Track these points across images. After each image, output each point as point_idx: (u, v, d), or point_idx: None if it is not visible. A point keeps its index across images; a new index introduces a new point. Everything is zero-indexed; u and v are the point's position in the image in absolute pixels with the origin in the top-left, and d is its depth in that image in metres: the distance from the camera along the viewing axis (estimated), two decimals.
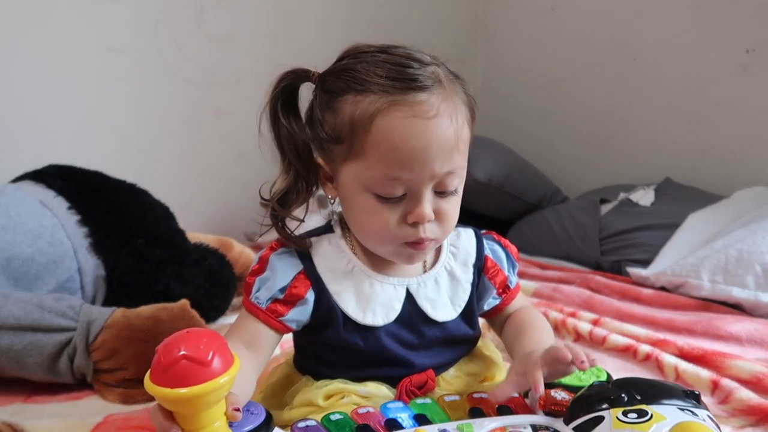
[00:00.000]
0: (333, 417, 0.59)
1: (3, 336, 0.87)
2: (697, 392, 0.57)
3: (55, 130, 1.51)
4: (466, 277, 0.70)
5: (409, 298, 0.67)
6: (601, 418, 0.54)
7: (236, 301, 1.20)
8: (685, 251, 1.30)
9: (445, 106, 0.59)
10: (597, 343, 1.04)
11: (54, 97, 1.50)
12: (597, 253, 1.49)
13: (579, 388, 0.61)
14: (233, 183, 1.73)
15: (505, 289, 0.72)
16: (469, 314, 0.70)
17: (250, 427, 0.54)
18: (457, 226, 0.71)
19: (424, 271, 0.69)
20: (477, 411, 0.61)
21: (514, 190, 1.74)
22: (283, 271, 0.65)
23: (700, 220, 1.41)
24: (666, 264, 1.30)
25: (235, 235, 1.50)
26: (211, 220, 1.68)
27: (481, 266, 0.71)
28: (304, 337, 0.69)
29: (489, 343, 0.79)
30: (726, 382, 0.86)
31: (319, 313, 0.65)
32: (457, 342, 0.70)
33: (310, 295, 0.65)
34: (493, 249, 0.73)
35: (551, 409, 0.61)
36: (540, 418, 0.59)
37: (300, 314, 0.65)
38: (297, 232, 0.68)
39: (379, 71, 0.59)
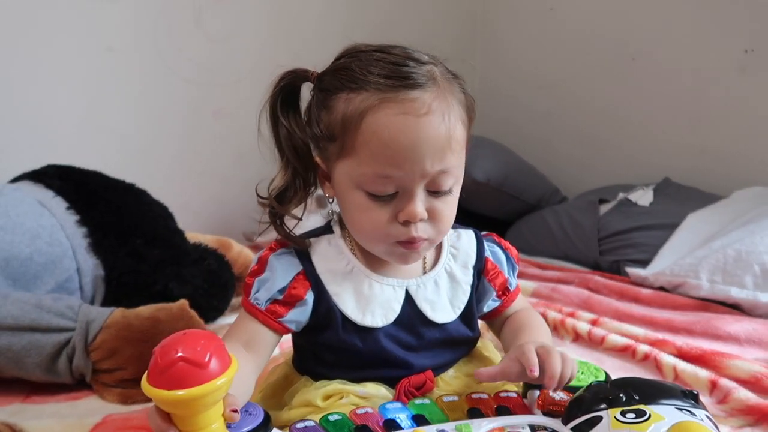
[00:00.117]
0: (331, 417, 0.59)
1: (2, 336, 0.87)
2: (695, 392, 0.57)
3: (54, 130, 1.51)
4: (466, 279, 0.70)
5: (409, 300, 0.67)
6: (599, 418, 0.54)
7: (235, 301, 1.20)
8: (683, 251, 1.31)
9: (437, 104, 0.59)
10: (596, 343, 1.04)
11: (53, 98, 1.50)
12: (596, 253, 1.50)
13: (577, 388, 0.61)
14: (232, 183, 1.73)
15: (504, 291, 0.72)
16: (468, 316, 0.70)
17: (249, 427, 0.54)
18: (457, 227, 0.71)
19: (424, 273, 0.69)
20: (476, 411, 0.61)
21: (513, 190, 1.74)
22: (283, 271, 0.65)
23: (699, 220, 1.41)
24: (665, 264, 1.30)
25: (234, 235, 1.50)
26: (210, 220, 1.68)
27: (480, 268, 0.71)
28: (303, 337, 0.68)
29: (488, 343, 0.79)
30: (724, 382, 0.86)
31: (318, 314, 0.65)
32: (456, 343, 0.70)
33: (310, 296, 0.65)
34: (494, 251, 0.73)
35: (549, 409, 0.61)
36: (538, 419, 0.60)
37: (299, 315, 0.65)
38: (296, 232, 0.68)
39: (374, 69, 0.59)
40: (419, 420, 0.60)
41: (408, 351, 0.67)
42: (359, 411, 0.61)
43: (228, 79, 1.72)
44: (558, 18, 1.98)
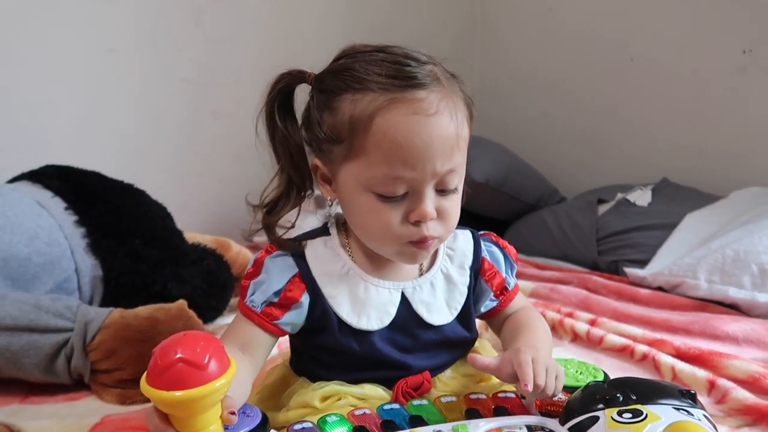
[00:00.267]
0: (329, 419, 0.59)
1: (0, 336, 0.87)
2: (693, 392, 0.57)
3: (52, 131, 1.51)
4: (463, 280, 0.69)
5: (404, 302, 0.67)
6: (596, 418, 0.54)
7: (234, 301, 1.20)
8: (682, 251, 1.31)
9: (444, 103, 0.59)
10: (594, 343, 1.04)
11: (52, 98, 1.50)
12: (594, 254, 1.50)
13: (575, 388, 0.61)
14: (231, 183, 1.73)
15: (502, 291, 0.72)
16: (465, 317, 0.69)
17: (246, 429, 0.54)
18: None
19: (420, 275, 0.68)
20: (473, 412, 0.61)
21: (512, 190, 1.74)
22: (278, 274, 0.65)
23: (697, 220, 1.41)
24: (663, 264, 1.30)
25: (232, 235, 1.49)
26: (208, 221, 1.68)
27: (477, 268, 0.71)
28: (300, 339, 0.68)
29: (486, 343, 0.79)
30: (722, 382, 0.86)
31: (314, 317, 0.65)
32: (453, 344, 0.70)
33: (305, 299, 0.65)
34: (491, 251, 0.72)
35: (547, 409, 0.61)
36: (535, 419, 0.60)
37: (295, 317, 0.65)
38: (293, 233, 0.68)
39: (377, 69, 0.59)
40: (417, 421, 0.60)
41: (405, 353, 0.67)
42: (357, 412, 0.61)
43: (227, 79, 1.72)
44: (557, 18, 1.98)
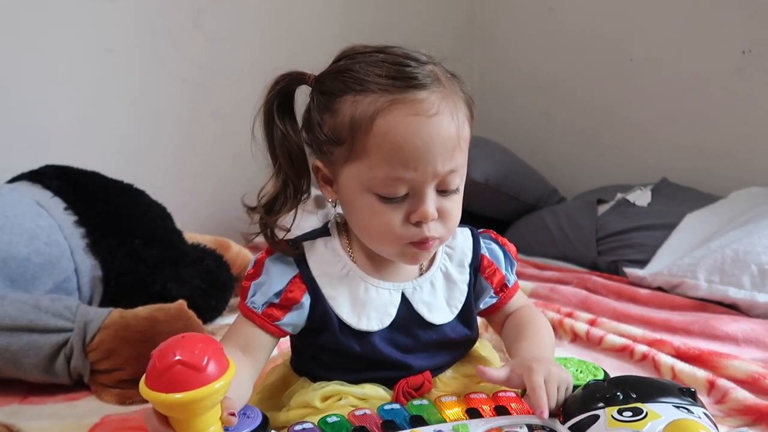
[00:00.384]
0: (330, 419, 0.59)
1: (0, 337, 0.87)
2: (693, 390, 0.57)
3: (52, 131, 1.51)
4: (462, 278, 0.69)
5: (405, 302, 0.67)
6: (596, 417, 0.54)
7: (233, 301, 1.20)
8: (681, 251, 1.31)
9: (445, 104, 0.59)
10: (594, 343, 1.04)
11: (51, 98, 1.50)
12: (594, 254, 1.50)
13: (576, 387, 0.61)
14: (231, 183, 1.73)
15: (502, 288, 0.72)
16: (466, 315, 0.69)
17: (247, 430, 0.54)
18: None
19: (420, 274, 0.68)
20: (474, 412, 0.61)
21: (511, 190, 1.74)
22: (279, 275, 0.65)
23: (697, 220, 1.41)
24: (663, 264, 1.30)
25: (232, 235, 1.49)
26: (208, 221, 1.68)
27: (477, 266, 0.71)
28: (300, 339, 0.68)
29: (486, 343, 0.79)
30: (722, 382, 0.86)
31: (314, 317, 0.65)
32: (453, 343, 0.70)
33: (306, 299, 0.65)
34: (491, 248, 0.72)
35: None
36: (535, 418, 0.59)
37: (296, 318, 0.65)
38: (292, 234, 0.68)
39: (378, 71, 0.59)
40: (417, 421, 0.60)
41: (405, 353, 0.67)
42: (357, 412, 0.61)
43: (227, 80, 1.72)
44: (557, 18, 1.98)
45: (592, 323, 1.10)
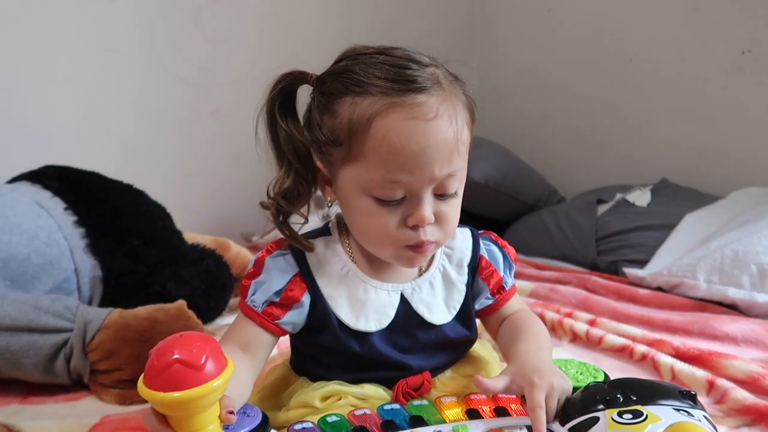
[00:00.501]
0: (329, 419, 0.59)
1: None
2: (693, 392, 0.57)
3: (51, 131, 1.51)
4: (461, 279, 0.69)
5: (404, 303, 0.67)
6: (596, 419, 0.54)
7: (233, 301, 1.20)
8: (681, 251, 1.31)
9: (444, 107, 0.59)
10: (593, 343, 1.04)
11: (51, 98, 1.50)
12: (594, 254, 1.50)
13: (576, 389, 0.61)
14: (230, 183, 1.73)
15: (499, 290, 0.72)
16: (465, 315, 0.69)
17: (247, 429, 0.54)
18: None
19: (419, 275, 0.68)
20: (474, 412, 0.61)
21: (511, 190, 1.75)
22: (279, 274, 0.65)
23: (696, 220, 1.41)
24: (662, 264, 1.30)
25: (232, 235, 1.50)
26: (208, 221, 1.68)
27: (475, 266, 0.70)
28: (300, 339, 0.68)
29: (486, 343, 0.79)
30: (722, 382, 0.86)
31: (314, 316, 0.65)
32: (453, 344, 0.70)
33: (306, 298, 0.65)
34: (490, 249, 0.72)
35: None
36: None
37: (296, 317, 0.65)
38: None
39: (378, 73, 0.59)
40: (417, 421, 0.60)
41: (404, 353, 0.67)
42: (357, 412, 0.61)
43: (226, 80, 1.72)
44: (556, 19, 1.98)
45: (591, 323, 1.10)
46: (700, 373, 0.89)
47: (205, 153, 1.74)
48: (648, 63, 1.76)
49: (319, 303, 0.65)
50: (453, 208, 0.63)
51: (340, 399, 0.65)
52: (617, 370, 0.95)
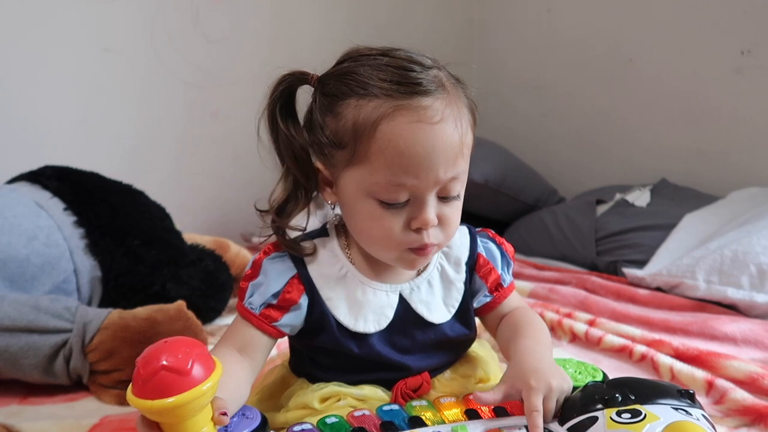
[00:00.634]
0: (328, 420, 0.59)
1: None
2: (691, 391, 0.57)
3: (51, 131, 1.51)
4: (459, 277, 0.69)
5: (403, 303, 0.66)
6: (595, 419, 0.54)
7: (233, 302, 1.20)
8: (680, 252, 1.31)
9: (449, 110, 0.59)
10: (593, 343, 1.04)
11: (50, 98, 1.50)
12: (593, 254, 1.50)
13: (575, 388, 0.61)
14: (230, 184, 1.73)
15: (497, 287, 0.71)
16: (463, 314, 0.69)
17: (246, 430, 0.54)
18: None
19: (417, 275, 0.68)
20: (473, 412, 0.61)
21: (511, 190, 1.75)
22: (276, 276, 0.64)
23: (696, 220, 1.41)
24: (661, 264, 1.30)
25: (231, 236, 1.50)
26: (207, 221, 1.68)
27: (472, 264, 0.70)
28: (299, 340, 0.68)
29: (485, 343, 0.79)
30: (721, 383, 0.86)
31: (312, 318, 0.65)
32: (452, 343, 0.70)
33: (304, 300, 0.65)
34: (488, 247, 0.72)
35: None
36: None
37: (293, 319, 0.65)
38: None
39: (382, 75, 0.58)
40: (416, 422, 0.60)
41: (404, 354, 0.66)
42: (356, 413, 0.61)
43: (226, 80, 1.72)
44: (554, 20, 1.98)
45: (591, 323, 1.10)
46: (700, 374, 0.89)
47: (205, 153, 1.74)
48: (647, 64, 1.77)
49: (317, 305, 0.65)
50: (455, 210, 0.63)
51: (339, 400, 0.64)
52: (616, 370, 0.95)
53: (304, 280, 0.65)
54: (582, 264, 1.51)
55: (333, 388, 0.65)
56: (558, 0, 1.97)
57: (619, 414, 0.53)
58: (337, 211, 0.68)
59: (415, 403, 0.64)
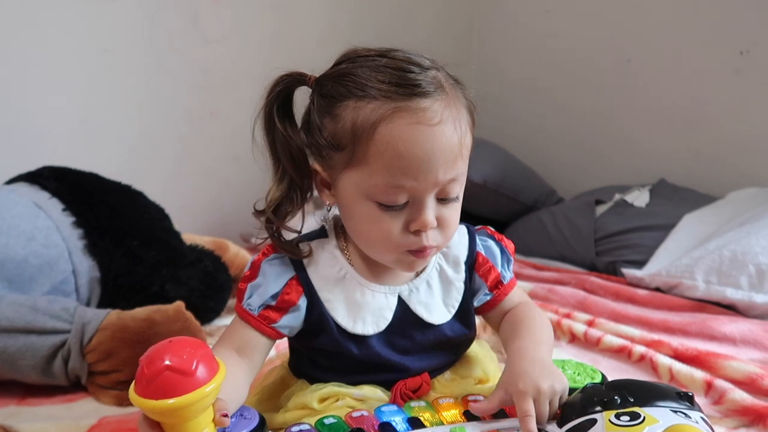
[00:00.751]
0: (327, 421, 0.59)
1: None
2: (690, 394, 0.57)
3: (50, 131, 1.50)
4: (458, 277, 0.69)
5: (401, 305, 0.66)
6: (593, 421, 0.54)
7: (232, 302, 1.20)
8: (679, 252, 1.31)
9: (448, 112, 0.59)
10: (592, 344, 1.04)
11: (49, 98, 1.50)
12: (592, 254, 1.50)
13: (573, 390, 0.61)
14: (229, 184, 1.73)
15: (497, 285, 0.71)
16: (463, 314, 0.69)
17: (244, 431, 0.54)
18: None
19: (416, 276, 0.68)
20: (471, 414, 0.61)
21: (510, 191, 1.75)
22: (275, 277, 0.64)
23: (695, 221, 1.41)
24: (660, 265, 1.30)
25: (230, 236, 1.50)
26: (206, 222, 1.68)
27: (472, 263, 0.70)
28: (298, 341, 0.68)
29: (484, 344, 0.79)
30: (720, 383, 0.86)
31: (311, 320, 0.65)
32: (451, 343, 0.70)
33: (303, 302, 0.65)
34: (487, 245, 0.71)
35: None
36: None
37: (292, 320, 0.65)
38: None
39: (380, 76, 0.58)
40: (414, 423, 0.60)
41: (403, 355, 0.66)
42: (355, 414, 0.61)
43: (225, 80, 1.72)
44: (554, 21, 1.98)
45: (590, 324, 1.10)
46: (699, 374, 0.89)
47: (204, 154, 1.74)
48: (646, 64, 1.77)
49: (315, 306, 0.65)
50: (454, 212, 0.63)
51: (338, 400, 0.64)
52: (616, 370, 0.95)
53: (302, 281, 0.65)
54: (581, 264, 1.51)
55: (332, 388, 0.65)
56: (557, 1, 1.97)
57: (618, 416, 0.53)
58: (334, 211, 0.67)
59: (413, 403, 0.63)
